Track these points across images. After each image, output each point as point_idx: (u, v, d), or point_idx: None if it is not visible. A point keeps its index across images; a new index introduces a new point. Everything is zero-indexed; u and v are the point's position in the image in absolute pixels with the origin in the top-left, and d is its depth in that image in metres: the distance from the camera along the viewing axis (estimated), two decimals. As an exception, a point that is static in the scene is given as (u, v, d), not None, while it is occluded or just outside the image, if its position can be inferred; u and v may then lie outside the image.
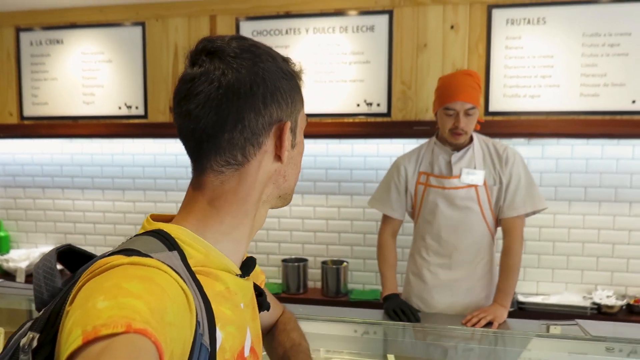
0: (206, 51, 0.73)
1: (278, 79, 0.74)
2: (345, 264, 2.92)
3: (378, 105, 2.82)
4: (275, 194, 0.81)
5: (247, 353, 0.80)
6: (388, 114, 2.81)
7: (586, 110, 2.62)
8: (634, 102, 2.59)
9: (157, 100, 3.02)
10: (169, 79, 2.96)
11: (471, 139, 2.02)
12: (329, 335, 1.66)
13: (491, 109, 2.72)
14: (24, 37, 3.16)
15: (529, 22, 2.67)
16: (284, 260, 3.00)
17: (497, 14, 2.69)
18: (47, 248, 3.35)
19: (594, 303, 2.56)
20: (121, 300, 0.56)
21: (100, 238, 3.33)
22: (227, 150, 0.73)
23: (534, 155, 2.75)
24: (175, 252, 0.69)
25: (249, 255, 0.85)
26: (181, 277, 0.65)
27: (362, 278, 3.00)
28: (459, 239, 1.99)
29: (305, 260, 3.00)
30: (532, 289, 2.78)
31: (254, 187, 0.76)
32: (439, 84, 2.07)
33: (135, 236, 0.74)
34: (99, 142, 3.24)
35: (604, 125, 2.58)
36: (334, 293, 2.87)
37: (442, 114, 1.97)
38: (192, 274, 0.69)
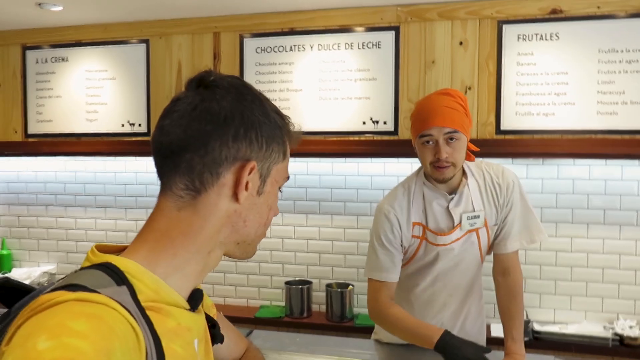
0: (200, 81, 0.75)
1: (258, 121, 0.74)
2: (350, 287, 2.80)
3: (385, 123, 2.74)
4: (233, 239, 0.77)
5: None
6: (395, 132, 2.72)
7: (604, 129, 2.50)
8: (652, 120, 2.46)
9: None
10: (171, 95, 2.90)
11: (463, 173, 1.69)
12: None
13: (503, 127, 2.62)
14: (30, 55, 3.17)
15: (541, 37, 2.57)
16: (287, 283, 2.90)
17: (507, 29, 2.60)
18: (49, 267, 3.30)
19: (615, 334, 2.39)
20: (65, 341, 0.53)
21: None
22: (185, 172, 0.72)
23: (550, 176, 2.62)
24: (125, 287, 0.66)
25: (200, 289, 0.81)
26: (131, 314, 0.61)
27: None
28: (454, 286, 1.77)
29: (309, 282, 2.90)
30: (549, 317, 2.62)
31: (209, 222, 0.73)
32: (414, 109, 1.68)
33: (79, 270, 0.70)
34: (102, 160, 3.21)
35: (623, 145, 2.45)
36: (338, 318, 2.75)
37: (419, 145, 1.61)
38: (142, 311, 0.65)
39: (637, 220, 2.53)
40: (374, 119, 2.75)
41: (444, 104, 1.56)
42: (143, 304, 0.66)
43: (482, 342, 1.90)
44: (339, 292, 2.77)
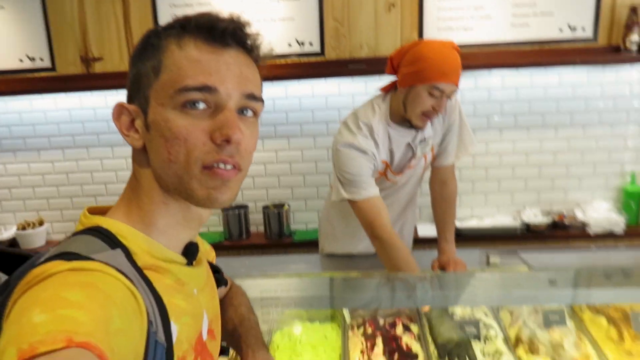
0: None
1: (133, 61, 0.72)
2: (286, 206, 2.90)
3: (310, 44, 2.69)
4: (165, 186, 0.69)
5: (205, 337, 0.79)
6: (321, 53, 2.69)
7: (517, 41, 2.65)
8: (561, 30, 2.64)
9: (64, 50, 2.69)
10: (75, 24, 2.62)
11: None
12: (278, 296, 1.65)
13: (425, 41, 2.68)
14: None
15: (459, -50, 2.58)
16: (223, 210, 2.93)
17: (427, -60, 2.57)
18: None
19: (523, 223, 2.75)
20: (60, 313, 0.51)
21: (19, 203, 3.06)
22: None
23: (468, 86, 2.78)
24: (119, 250, 0.65)
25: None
26: (128, 277, 0.61)
27: (304, 218, 3.02)
28: (398, 200, 1.90)
29: (245, 206, 2.95)
30: (467, 213, 2.93)
31: (139, 173, 0.72)
32: (427, 52, 1.57)
33: (73, 235, 0.68)
34: (3, 101, 2.88)
35: (533, 55, 2.63)
36: (277, 236, 2.87)
37: (422, 92, 1.57)
38: (139, 271, 0.65)
39: (542, 122, 2.81)
40: (299, 41, 2.69)
41: (458, 62, 1.58)
42: (140, 264, 0.66)
43: (410, 243, 2.12)
44: (275, 212, 2.87)
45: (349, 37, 2.68)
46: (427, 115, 1.62)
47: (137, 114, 0.69)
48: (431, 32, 2.65)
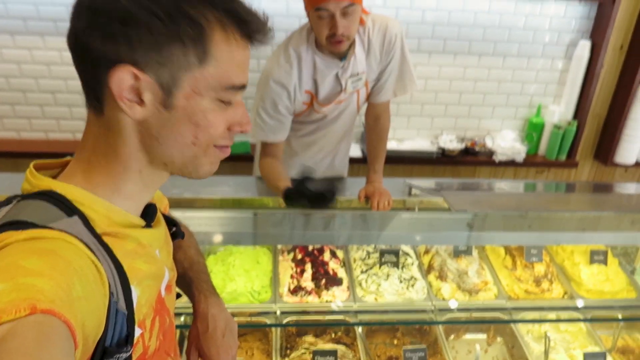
0: None
1: (147, 13, 0.59)
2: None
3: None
4: (157, 159, 0.68)
5: (163, 293, 0.81)
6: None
7: (456, -39, 2.60)
8: (498, -46, 2.63)
9: None
10: None
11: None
12: (203, 231, 1.67)
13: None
14: None
15: None
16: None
17: None
18: None
19: (439, 147, 2.92)
20: (21, 281, 0.51)
21: None
22: (81, 78, 0.65)
23: (404, 5, 2.73)
24: (76, 217, 0.63)
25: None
26: (87, 245, 0.61)
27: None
28: (331, 133, 1.92)
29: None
30: (390, 134, 3.00)
31: (120, 139, 0.66)
32: None
33: (21, 198, 0.65)
34: None
35: (470, -21, 2.62)
36: (203, 147, 2.80)
37: (314, 16, 1.51)
38: (98, 239, 0.64)
39: (469, 49, 2.88)
40: None
41: None
42: (99, 231, 0.65)
43: (345, 172, 2.21)
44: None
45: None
46: (334, 41, 1.53)
47: (151, 87, 0.62)
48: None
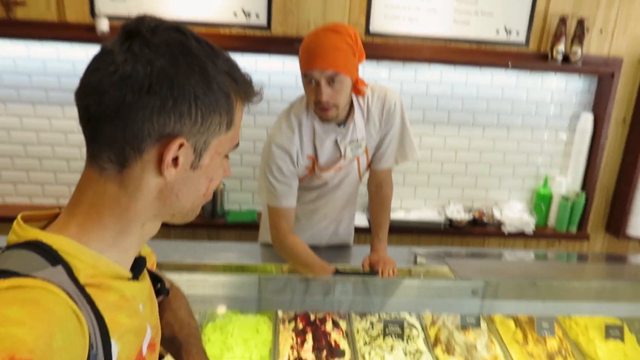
0: (130, 33, 0.65)
1: (193, 91, 0.65)
2: (221, 186, 2.85)
3: (257, 16, 2.59)
4: (167, 212, 0.73)
5: (144, 352, 0.78)
6: (268, 27, 2.61)
7: (457, 38, 2.72)
8: (497, 32, 2.75)
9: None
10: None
11: (351, 105, 1.70)
12: (206, 293, 1.64)
13: (372, 29, 2.68)
14: None
15: (413, -61, 2.57)
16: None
17: None
18: None
19: (447, 218, 2.90)
20: (2, 330, 0.51)
21: None
22: (106, 144, 0.66)
23: (408, 79, 2.83)
24: (60, 267, 0.63)
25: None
26: (70, 295, 0.60)
27: (238, 199, 2.97)
28: (334, 201, 1.92)
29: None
30: (397, 204, 3.03)
31: (136, 198, 0.69)
32: (302, 42, 1.59)
33: (7, 249, 0.65)
34: None
35: (471, 54, 2.73)
36: (210, 215, 2.81)
37: (304, 81, 1.58)
38: (81, 290, 0.63)
39: (473, 121, 2.94)
40: (245, 11, 2.58)
41: (330, 44, 1.51)
42: (82, 281, 0.64)
43: (350, 241, 2.18)
44: (209, 189, 2.80)
45: (297, 14, 2.62)
46: (320, 107, 1.57)
47: (187, 152, 0.68)
48: (378, 19, 2.66)
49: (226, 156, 0.76)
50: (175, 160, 0.67)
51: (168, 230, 2.75)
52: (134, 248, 0.74)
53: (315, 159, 1.74)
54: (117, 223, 0.69)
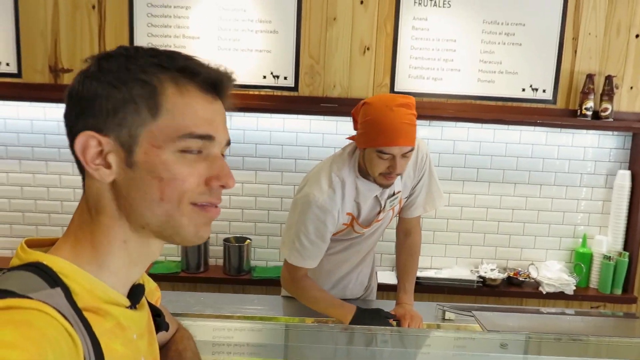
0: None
1: (104, 86, 0.67)
2: (248, 241, 2.85)
3: (285, 78, 2.72)
4: (134, 223, 0.69)
5: None
6: (295, 88, 2.72)
7: (482, 95, 2.75)
8: (523, 90, 2.77)
9: (33, 58, 2.63)
10: (47, 32, 2.57)
11: None
12: (230, 342, 1.58)
13: (397, 88, 2.75)
14: None
15: (435, 4, 2.70)
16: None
17: (405, -8, 2.68)
18: None
19: (479, 276, 2.77)
20: None
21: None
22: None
23: (434, 136, 2.84)
24: (59, 289, 0.63)
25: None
26: (66, 317, 0.59)
27: (265, 255, 2.95)
28: (362, 250, 1.91)
29: (205, 236, 2.87)
30: (427, 263, 2.94)
31: (99, 212, 0.70)
32: (369, 115, 1.54)
33: (9, 270, 0.65)
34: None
35: (497, 111, 2.74)
36: (236, 271, 2.79)
37: (373, 155, 1.55)
38: (79, 313, 0.63)
39: (502, 178, 2.89)
40: (274, 74, 2.72)
41: (405, 120, 1.51)
42: (80, 305, 0.64)
43: (374, 287, 2.10)
44: (236, 246, 2.80)
45: (323, 75, 2.73)
46: (387, 176, 1.59)
47: (114, 149, 0.67)
48: (402, 79, 2.73)
49: (187, 151, 0.68)
50: (105, 159, 0.67)
51: (194, 284, 2.74)
52: (125, 271, 0.72)
53: (354, 216, 1.73)
54: (95, 241, 0.69)
